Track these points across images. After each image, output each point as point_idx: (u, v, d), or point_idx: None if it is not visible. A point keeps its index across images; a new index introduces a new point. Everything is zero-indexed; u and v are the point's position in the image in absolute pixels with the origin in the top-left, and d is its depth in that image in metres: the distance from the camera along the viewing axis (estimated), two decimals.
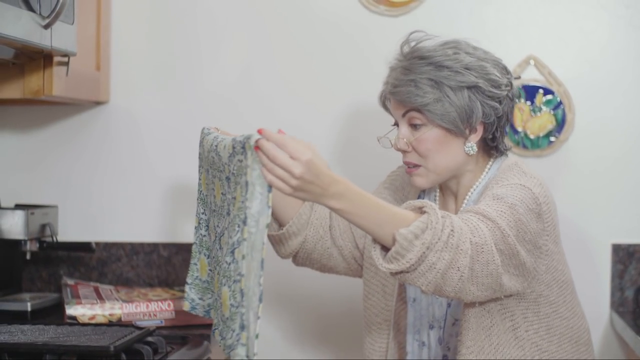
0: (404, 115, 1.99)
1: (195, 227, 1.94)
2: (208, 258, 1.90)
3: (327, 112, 2.69)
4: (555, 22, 2.65)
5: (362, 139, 2.68)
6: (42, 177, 2.78)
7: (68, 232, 2.75)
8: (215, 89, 2.72)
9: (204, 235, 1.91)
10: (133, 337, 2.01)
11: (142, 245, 2.76)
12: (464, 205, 2.05)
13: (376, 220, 1.71)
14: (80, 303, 2.34)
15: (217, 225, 1.81)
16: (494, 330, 1.96)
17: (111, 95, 2.74)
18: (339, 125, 2.70)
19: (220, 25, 2.72)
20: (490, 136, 2.01)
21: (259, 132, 1.62)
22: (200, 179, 1.90)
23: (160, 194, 2.76)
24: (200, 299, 1.96)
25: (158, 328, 2.24)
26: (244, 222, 1.63)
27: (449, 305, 2.06)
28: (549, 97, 2.63)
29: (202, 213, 1.91)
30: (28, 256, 2.59)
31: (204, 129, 1.89)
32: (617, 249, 2.63)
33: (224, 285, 1.70)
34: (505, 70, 2.01)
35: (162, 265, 2.75)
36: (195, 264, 1.95)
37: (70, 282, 2.56)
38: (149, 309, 2.35)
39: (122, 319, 2.33)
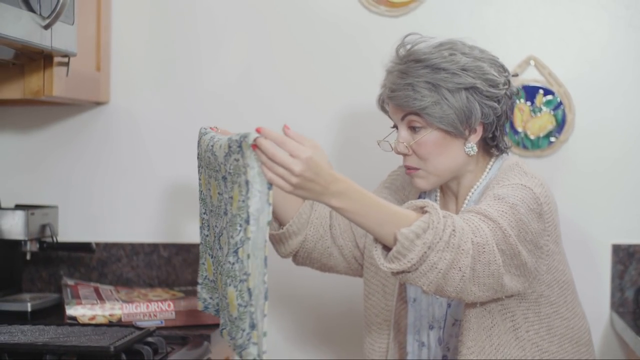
0: (402, 118, 1.99)
1: (200, 227, 1.94)
2: (212, 258, 1.90)
3: (326, 112, 2.70)
4: (556, 22, 2.65)
5: (361, 139, 2.68)
6: (43, 177, 2.78)
7: (68, 232, 2.75)
8: (215, 89, 2.73)
9: (207, 235, 1.91)
10: (133, 338, 2.01)
11: (142, 245, 2.76)
12: (464, 205, 2.05)
13: (377, 219, 1.71)
14: (81, 303, 2.34)
15: (215, 225, 1.81)
16: (494, 331, 1.95)
17: (111, 95, 2.74)
18: (339, 125, 2.70)
19: (220, 25, 2.72)
20: (490, 135, 2.01)
21: (258, 131, 1.62)
22: (200, 179, 1.91)
23: (160, 194, 2.76)
24: (210, 298, 1.96)
25: (158, 328, 2.24)
26: (247, 222, 1.63)
27: (449, 305, 2.06)
28: (549, 97, 2.63)
29: (204, 213, 1.91)
30: (28, 256, 2.59)
31: (201, 128, 1.89)
32: (617, 249, 2.63)
33: (229, 285, 1.70)
34: (502, 68, 2.01)
35: (162, 265, 2.75)
36: (203, 264, 1.95)
37: (71, 282, 2.56)
38: (149, 309, 2.35)
39: (122, 320, 2.33)
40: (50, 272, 2.78)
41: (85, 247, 2.62)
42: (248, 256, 1.63)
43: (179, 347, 2.15)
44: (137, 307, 2.35)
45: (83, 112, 2.77)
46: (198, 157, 1.89)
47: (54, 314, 2.51)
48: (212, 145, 1.77)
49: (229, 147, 1.68)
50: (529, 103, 2.63)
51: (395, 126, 2.04)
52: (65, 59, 2.30)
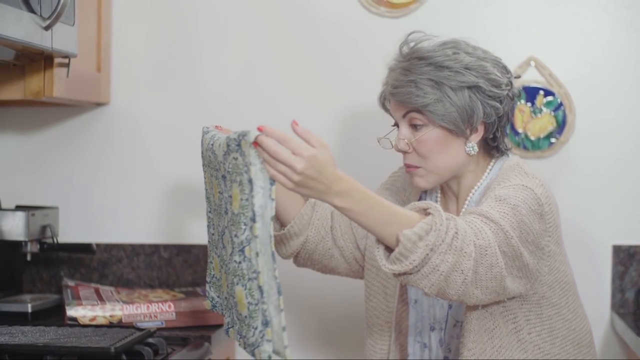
0: (404, 116, 1.99)
1: (207, 226, 1.93)
2: (218, 257, 1.89)
3: (327, 113, 2.70)
4: (556, 23, 2.65)
5: (362, 140, 2.68)
6: (43, 178, 2.78)
7: (69, 233, 2.75)
8: (216, 90, 2.73)
9: (213, 234, 1.90)
10: (134, 339, 2.02)
11: (142, 246, 2.76)
12: (465, 205, 2.05)
13: (380, 220, 1.70)
14: (81, 304, 2.34)
15: (218, 224, 1.81)
16: (496, 333, 1.95)
17: (112, 96, 2.74)
18: (339, 126, 2.70)
19: (220, 26, 2.72)
20: (491, 136, 2.01)
21: (260, 129, 1.62)
22: (205, 178, 1.90)
23: (161, 195, 2.76)
24: (218, 297, 1.95)
25: (159, 329, 2.24)
26: (253, 220, 1.62)
27: (450, 306, 2.06)
28: (550, 98, 2.63)
29: (209, 212, 1.91)
30: (29, 257, 2.59)
31: (203, 127, 1.89)
32: (617, 250, 2.63)
33: (237, 284, 1.69)
34: (505, 69, 2.01)
35: (163, 266, 2.75)
36: (211, 262, 1.94)
37: (71, 283, 2.56)
38: (149, 310, 2.35)
39: (123, 320, 2.33)
40: (50, 273, 2.78)
41: (85, 248, 2.62)
42: (257, 254, 1.63)
43: (180, 348, 2.15)
44: (137, 308, 2.35)
45: (83, 113, 2.77)
46: (201, 156, 1.88)
47: (54, 315, 2.51)
48: (212, 144, 1.77)
49: (228, 145, 1.67)
50: (529, 104, 2.63)
51: (396, 124, 2.03)
52: (66, 60, 2.30)
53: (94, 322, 2.31)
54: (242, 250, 1.66)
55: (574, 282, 2.07)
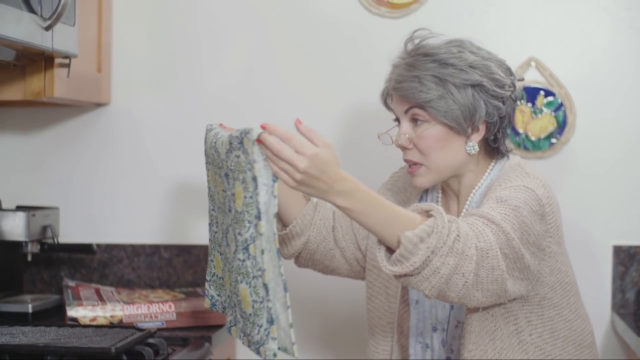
0: (406, 112, 1.98)
1: (209, 224, 1.93)
2: (221, 255, 1.89)
3: (327, 114, 2.69)
4: (557, 24, 2.65)
5: (362, 141, 2.68)
6: (43, 178, 2.78)
7: (69, 233, 2.75)
8: (216, 90, 2.73)
9: (216, 232, 1.90)
10: (134, 339, 2.02)
11: (143, 246, 2.76)
12: (466, 205, 2.04)
13: (382, 220, 1.69)
14: (82, 305, 2.34)
15: (222, 222, 1.80)
16: (497, 335, 1.95)
17: (112, 96, 2.74)
18: (340, 126, 2.70)
19: (220, 26, 2.72)
20: (492, 137, 2.01)
21: (263, 127, 1.61)
22: (208, 176, 1.89)
23: (161, 195, 2.76)
24: (218, 295, 1.94)
25: (159, 330, 2.24)
26: (257, 217, 1.62)
27: (452, 307, 2.05)
28: (550, 98, 2.63)
29: (212, 210, 1.90)
30: (29, 258, 2.59)
31: (207, 125, 1.88)
32: (618, 250, 2.63)
33: (241, 282, 1.69)
34: (509, 71, 2.01)
35: (164, 266, 2.75)
36: (212, 261, 1.94)
37: (72, 283, 2.56)
38: (150, 310, 2.35)
39: (123, 321, 2.33)
40: (51, 274, 2.78)
41: (86, 248, 2.62)
42: (262, 252, 1.62)
43: (180, 349, 2.15)
44: (138, 309, 2.35)
45: (84, 113, 2.77)
46: (205, 154, 1.88)
47: (55, 315, 2.52)
48: (215, 142, 1.77)
49: (230, 143, 1.67)
50: (530, 104, 2.63)
51: (397, 120, 2.03)
52: (66, 60, 2.30)
53: (94, 323, 2.31)
54: (246, 248, 1.66)
55: (576, 282, 2.07)
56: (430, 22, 2.58)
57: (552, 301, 1.99)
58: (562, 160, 2.65)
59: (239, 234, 1.67)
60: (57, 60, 2.28)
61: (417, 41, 2.02)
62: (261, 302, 1.64)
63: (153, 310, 2.35)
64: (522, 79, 2.11)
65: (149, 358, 1.98)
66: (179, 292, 2.59)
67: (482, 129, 1.99)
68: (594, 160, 2.64)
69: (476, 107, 1.95)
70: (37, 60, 2.27)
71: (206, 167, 1.88)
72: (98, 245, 2.71)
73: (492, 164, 2.05)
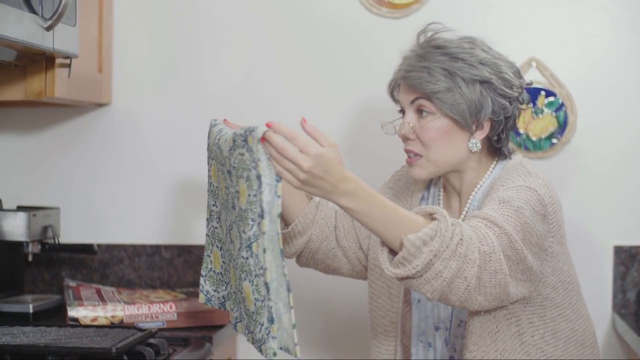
0: (412, 102, 1.98)
1: (207, 219, 1.92)
2: (221, 250, 1.89)
3: (328, 114, 2.69)
4: (557, 24, 2.65)
5: (364, 141, 2.68)
6: (44, 178, 2.78)
7: (70, 233, 2.75)
8: (217, 91, 2.73)
9: (216, 227, 1.89)
10: (135, 339, 2.02)
11: (144, 247, 2.76)
12: (468, 204, 2.04)
13: (385, 222, 1.69)
14: (82, 305, 2.34)
15: (226, 219, 1.80)
16: (499, 336, 1.94)
17: (113, 97, 2.74)
18: (341, 127, 2.70)
19: (221, 27, 2.72)
20: (496, 137, 2.00)
21: (268, 125, 1.61)
22: (210, 171, 1.88)
23: (162, 195, 2.76)
24: (215, 290, 1.94)
25: (160, 330, 2.24)
26: (261, 216, 1.62)
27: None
28: (551, 99, 2.63)
29: (214, 205, 1.89)
30: (30, 258, 2.59)
31: (211, 120, 1.87)
32: (619, 250, 2.63)
33: (244, 280, 1.69)
34: (518, 73, 2.01)
35: (164, 267, 2.75)
36: (209, 256, 1.93)
37: (72, 283, 2.56)
38: (151, 310, 2.35)
39: (124, 321, 2.33)
40: (52, 274, 2.78)
41: (87, 248, 2.62)
42: (264, 250, 1.62)
43: (181, 349, 2.15)
44: (139, 309, 2.35)
45: (85, 113, 2.77)
46: (208, 149, 1.87)
47: (55, 315, 2.52)
48: (218, 139, 1.76)
49: (234, 141, 1.67)
50: (530, 105, 2.63)
51: (402, 111, 2.03)
52: (67, 61, 2.30)
53: (95, 323, 2.31)
54: (249, 246, 1.65)
55: (578, 282, 2.06)
56: None
57: (554, 301, 1.98)
58: (563, 160, 2.65)
59: (243, 231, 1.67)
60: (58, 61, 2.28)
61: (430, 34, 2.02)
62: (262, 301, 1.64)
63: (154, 311, 2.35)
64: (531, 83, 2.11)
65: (150, 358, 1.98)
66: (180, 292, 2.59)
67: (487, 127, 1.98)
68: (594, 161, 2.64)
69: (483, 103, 1.95)
70: (38, 61, 2.27)
71: (208, 161, 1.87)
72: (99, 246, 2.71)
73: (494, 163, 2.05)
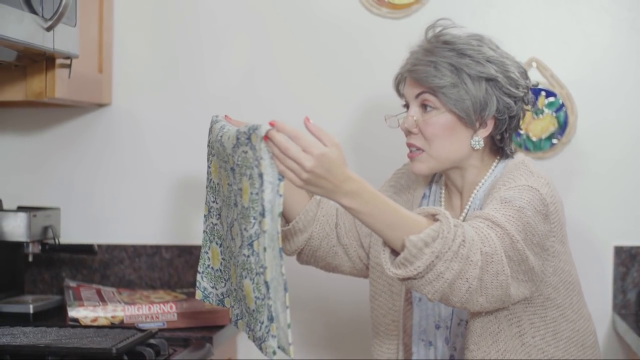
0: (417, 96, 1.98)
1: (205, 216, 1.91)
2: (220, 247, 1.88)
3: (328, 114, 2.69)
4: (558, 24, 2.65)
5: (364, 142, 2.68)
6: (45, 179, 2.78)
7: (70, 234, 2.75)
8: (217, 91, 2.73)
9: (216, 224, 1.89)
10: (135, 340, 2.02)
11: (144, 247, 2.76)
12: (469, 202, 2.04)
13: (387, 222, 1.68)
14: (83, 305, 2.34)
15: (227, 216, 1.79)
16: (500, 337, 1.94)
17: (113, 97, 2.74)
18: (340, 127, 2.70)
19: (222, 27, 2.72)
20: (499, 136, 2.00)
21: (271, 124, 1.61)
22: (210, 167, 1.87)
23: (162, 196, 2.76)
24: (212, 287, 1.93)
25: (160, 330, 2.24)
26: (262, 214, 1.61)
27: None
28: (551, 99, 2.63)
29: (213, 201, 1.89)
30: (30, 258, 2.59)
31: (213, 116, 1.87)
32: (619, 251, 2.63)
33: (245, 277, 1.69)
34: (525, 74, 2.01)
35: (165, 267, 2.75)
36: (207, 252, 1.93)
37: (73, 284, 2.56)
38: (151, 311, 2.35)
39: (125, 321, 2.32)
40: (52, 274, 2.78)
41: (87, 248, 2.62)
42: (264, 249, 1.62)
43: (181, 349, 2.15)
44: (139, 309, 2.35)
45: (85, 113, 2.77)
46: (209, 145, 1.86)
47: (56, 315, 2.52)
48: (220, 136, 1.76)
49: (237, 138, 1.66)
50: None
51: (406, 106, 2.03)
52: (68, 61, 2.30)
53: (95, 323, 2.31)
54: (250, 244, 1.65)
55: (579, 281, 2.06)
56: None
57: (556, 302, 1.98)
58: (563, 160, 2.65)
59: (245, 229, 1.67)
60: (58, 61, 2.28)
61: (438, 29, 2.02)
62: (262, 300, 1.64)
63: (154, 311, 2.35)
64: (537, 85, 2.11)
65: (150, 358, 1.98)
66: (180, 292, 2.59)
67: (490, 125, 1.98)
68: (595, 161, 2.64)
69: (487, 101, 1.95)
70: (38, 61, 2.27)
71: (209, 158, 1.87)
72: (99, 246, 2.71)
73: (496, 161, 2.05)
